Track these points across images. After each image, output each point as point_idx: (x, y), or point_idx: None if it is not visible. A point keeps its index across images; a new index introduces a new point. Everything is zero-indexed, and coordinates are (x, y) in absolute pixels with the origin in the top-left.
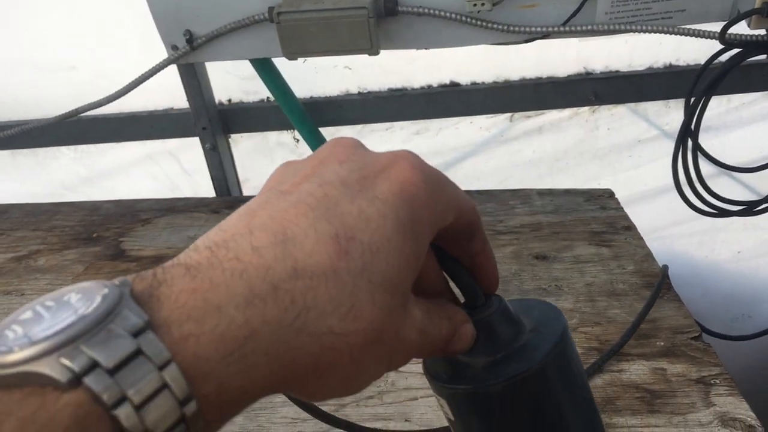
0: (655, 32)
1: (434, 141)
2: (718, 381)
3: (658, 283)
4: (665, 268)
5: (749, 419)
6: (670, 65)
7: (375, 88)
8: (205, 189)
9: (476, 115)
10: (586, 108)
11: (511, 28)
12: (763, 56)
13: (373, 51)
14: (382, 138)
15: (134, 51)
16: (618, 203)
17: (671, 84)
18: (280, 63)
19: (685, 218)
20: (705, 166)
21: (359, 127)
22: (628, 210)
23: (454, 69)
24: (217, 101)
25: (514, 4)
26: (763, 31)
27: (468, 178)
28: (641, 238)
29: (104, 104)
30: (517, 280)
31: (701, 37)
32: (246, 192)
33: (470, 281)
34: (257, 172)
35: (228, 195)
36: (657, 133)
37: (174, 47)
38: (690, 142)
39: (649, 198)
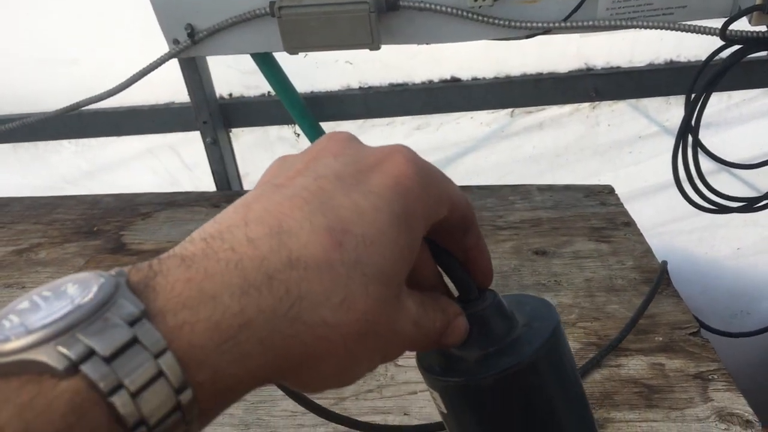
0: (656, 28)
1: (435, 136)
2: (716, 376)
3: (657, 278)
4: (664, 264)
5: (747, 414)
6: (671, 61)
7: (376, 83)
8: (206, 183)
9: (477, 110)
10: (586, 104)
11: (512, 24)
12: (764, 53)
13: (374, 46)
14: (383, 133)
15: (135, 45)
16: (618, 199)
17: (672, 80)
18: (281, 57)
19: (684, 214)
20: (705, 163)
21: (360, 122)
22: (628, 206)
23: (455, 64)
24: (218, 95)
25: (515, 0)
26: (764, 28)
27: (468, 173)
28: (641, 234)
29: (105, 98)
30: (516, 275)
31: (702, 34)
32: (246, 186)
33: (464, 275)
34: (258, 166)
35: (228, 189)
36: (657, 129)
37: (175, 41)
38: (690, 139)
39: (649, 194)
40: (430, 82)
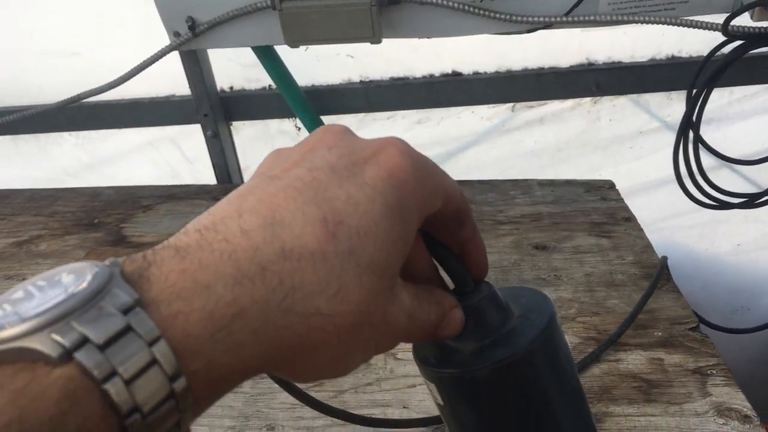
0: (657, 23)
1: (436, 130)
2: (714, 371)
3: (657, 273)
4: (664, 259)
5: (745, 409)
6: (673, 57)
7: (377, 76)
8: (207, 176)
9: (478, 104)
10: (588, 99)
11: (514, 18)
12: (766, 48)
13: (376, 39)
14: (384, 127)
15: (136, 37)
16: (618, 194)
17: (673, 75)
18: (283, 51)
19: (685, 210)
20: (706, 159)
21: (361, 115)
22: (628, 201)
23: (457, 58)
24: (218, 88)
25: None
26: (766, 23)
27: (469, 167)
28: (641, 230)
29: (106, 90)
30: (516, 270)
31: (704, 29)
32: (247, 180)
33: (459, 267)
34: (258, 159)
35: (229, 182)
36: (659, 124)
37: (176, 34)
38: (691, 134)
39: (650, 190)
40: (431, 76)
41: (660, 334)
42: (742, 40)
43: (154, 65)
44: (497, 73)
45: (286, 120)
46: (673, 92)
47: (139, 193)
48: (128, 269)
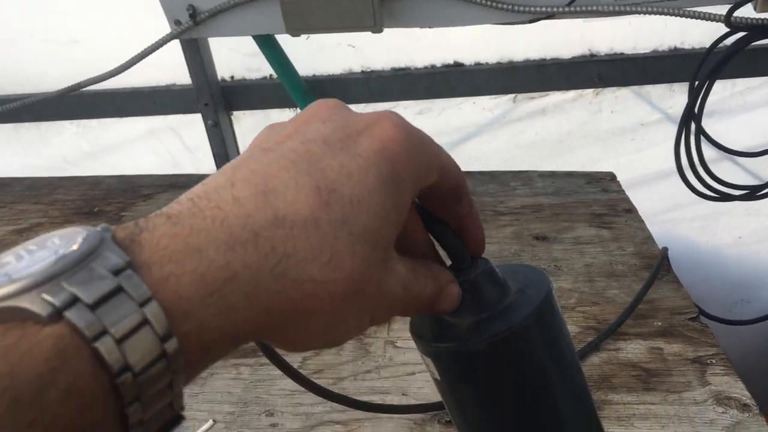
0: (660, 14)
1: (437, 121)
2: (714, 361)
3: (657, 264)
4: (665, 250)
5: (744, 398)
6: (675, 48)
7: (378, 67)
8: (207, 165)
9: (479, 95)
10: (589, 90)
11: (516, 8)
12: None
13: (377, 28)
14: None
15: (137, 26)
16: (619, 186)
17: (676, 67)
18: (284, 42)
19: (686, 202)
20: (708, 150)
21: (362, 105)
22: (629, 193)
23: (458, 49)
24: (219, 78)
25: None
26: None
27: (470, 158)
28: (642, 221)
29: (106, 79)
30: (516, 260)
31: (706, 20)
32: None
33: (457, 243)
34: None
35: None
36: (660, 116)
37: (177, 22)
38: (693, 126)
39: (652, 182)
40: (433, 66)
41: (660, 323)
42: (744, 31)
43: (154, 54)
44: (499, 63)
45: (287, 110)
46: (675, 84)
47: (139, 182)
48: (120, 235)
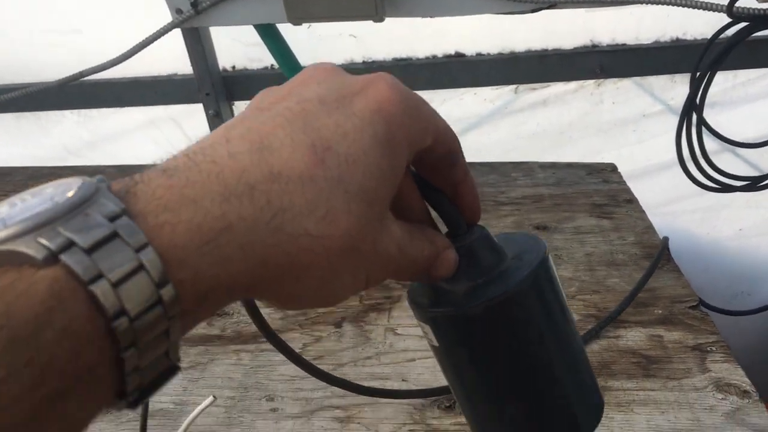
0: (662, 4)
1: (438, 111)
2: (714, 348)
3: (658, 253)
4: (665, 239)
5: (744, 385)
6: (677, 39)
7: (380, 57)
8: None
9: (481, 86)
10: (591, 81)
11: None
12: None
13: (378, 18)
14: None
15: (138, 15)
16: (620, 177)
17: (678, 58)
18: (285, 32)
19: (687, 194)
20: (709, 142)
21: None
22: (630, 185)
23: (460, 39)
24: (221, 68)
25: None
26: None
27: (471, 149)
28: (642, 211)
29: (107, 68)
30: None
31: (708, 10)
32: None
33: (452, 209)
34: None
35: None
36: (662, 107)
37: (178, 11)
38: (695, 117)
39: (653, 173)
40: (434, 57)
41: (660, 311)
42: (746, 21)
43: (156, 43)
44: (500, 54)
45: None
46: (677, 75)
47: (139, 171)
48: (115, 187)
